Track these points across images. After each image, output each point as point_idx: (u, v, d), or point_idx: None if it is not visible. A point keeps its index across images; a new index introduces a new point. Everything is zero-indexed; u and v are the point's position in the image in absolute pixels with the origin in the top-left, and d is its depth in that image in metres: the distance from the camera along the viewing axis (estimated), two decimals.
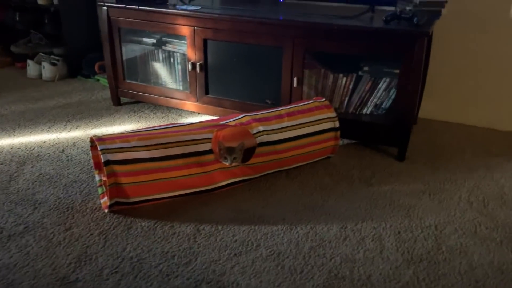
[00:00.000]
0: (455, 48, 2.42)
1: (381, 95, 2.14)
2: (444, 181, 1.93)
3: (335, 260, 1.45)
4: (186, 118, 2.53)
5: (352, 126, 2.14)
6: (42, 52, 3.21)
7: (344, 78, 2.17)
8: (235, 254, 1.47)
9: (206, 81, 2.40)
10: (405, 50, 1.92)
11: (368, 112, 2.19)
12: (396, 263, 1.45)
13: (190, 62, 2.38)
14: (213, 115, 2.46)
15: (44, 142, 2.22)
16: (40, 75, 3.15)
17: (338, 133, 1.96)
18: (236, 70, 2.35)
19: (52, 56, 3.16)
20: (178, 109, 2.61)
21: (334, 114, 1.96)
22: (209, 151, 1.73)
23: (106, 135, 1.68)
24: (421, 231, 1.61)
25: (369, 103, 2.18)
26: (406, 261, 1.46)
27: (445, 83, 2.51)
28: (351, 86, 2.18)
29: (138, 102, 2.72)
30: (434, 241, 1.55)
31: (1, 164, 2.00)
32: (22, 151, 2.12)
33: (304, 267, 1.42)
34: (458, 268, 1.43)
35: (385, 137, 2.10)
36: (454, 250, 1.51)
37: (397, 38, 1.93)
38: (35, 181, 1.87)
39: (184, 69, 2.49)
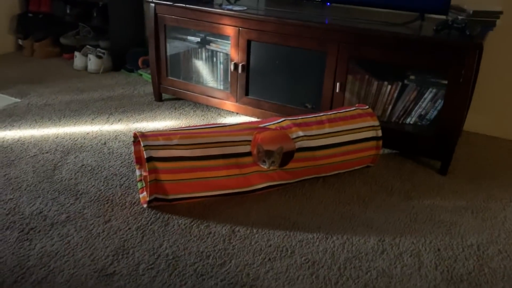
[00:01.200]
0: (506, 61, 2.33)
1: (426, 105, 2.09)
2: (488, 199, 1.86)
3: (371, 274, 1.42)
4: (225, 117, 2.55)
5: (394, 136, 2.09)
6: (89, 45, 3.30)
7: (389, 86, 2.12)
8: (269, 259, 1.46)
9: (247, 82, 2.41)
10: (455, 61, 1.86)
11: (411, 122, 2.14)
12: (434, 281, 1.40)
13: (232, 63, 2.39)
14: (251, 116, 2.47)
15: (87, 133, 2.28)
16: (86, 67, 3.24)
17: (380, 142, 1.92)
18: (278, 72, 2.34)
19: (98, 49, 3.25)
20: (217, 108, 2.63)
21: (377, 123, 1.92)
22: (248, 153, 1.73)
23: (149, 131, 1.71)
24: (462, 250, 1.55)
25: (413, 113, 2.12)
26: (445, 280, 1.41)
27: (493, 96, 2.42)
28: (395, 95, 2.13)
29: (179, 99, 2.75)
30: (476, 262, 1.49)
31: (47, 152, 2.07)
32: (66, 141, 2.19)
33: (339, 279, 1.39)
34: None
35: (428, 149, 2.04)
36: (497, 273, 1.45)
37: (448, 49, 1.86)
38: (78, 172, 1.92)
39: (226, 69, 2.50)
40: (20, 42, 3.60)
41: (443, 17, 2.07)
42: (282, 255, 1.49)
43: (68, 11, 3.33)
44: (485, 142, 2.40)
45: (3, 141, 2.15)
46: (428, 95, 2.07)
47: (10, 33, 3.62)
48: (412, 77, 2.10)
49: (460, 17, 2.00)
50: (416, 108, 2.11)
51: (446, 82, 1.94)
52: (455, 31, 1.93)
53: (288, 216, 1.69)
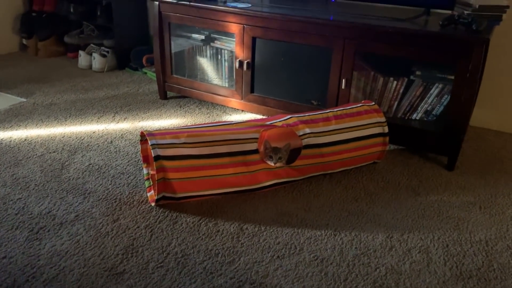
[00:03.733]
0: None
1: (432, 101, 2.08)
2: (496, 194, 1.86)
3: (380, 270, 1.42)
4: (230, 115, 2.55)
5: (400, 132, 2.09)
6: (93, 44, 3.30)
7: (395, 82, 2.12)
8: (278, 257, 1.47)
9: (252, 79, 2.40)
10: (461, 56, 1.85)
11: (417, 118, 2.13)
12: (443, 277, 1.40)
13: (237, 60, 2.39)
14: (257, 113, 2.47)
15: (94, 132, 2.29)
16: (90, 65, 3.25)
17: (387, 138, 1.92)
18: (283, 69, 2.34)
19: (102, 48, 3.25)
20: (222, 106, 2.63)
21: (383, 119, 1.91)
22: (255, 151, 1.73)
23: (156, 130, 1.71)
24: (470, 245, 1.55)
25: (419, 108, 2.12)
26: (454, 276, 1.41)
27: (500, 91, 2.41)
28: (401, 90, 2.12)
29: (184, 97, 2.76)
30: (484, 257, 1.49)
31: (54, 152, 2.08)
32: (73, 140, 2.20)
33: (348, 275, 1.40)
34: None
35: (434, 144, 2.04)
36: (506, 268, 1.45)
37: (454, 44, 1.86)
38: (85, 171, 1.93)
39: (230, 67, 2.50)
40: (24, 41, 3.60)
41: (449, 12, 2.06)
42: (290, 252, 1.49)
43: (72, 10, 3.33)
44: (492, 137, 2.39)
45: (10, 141, 2.16)
46: (434, 91, 2.06)
47: (14, 33, 3.63)
48: (418, 72, 2.09)
49: (466, 12, 1.99)
50: (422, 104, 2.11)
51: (452, 77, 1.93)
52: (461, 26, 1.92)
53: (296, 213, 1.69)
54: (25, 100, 2.67)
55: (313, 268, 1.42)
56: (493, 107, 2.45)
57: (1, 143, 2.14)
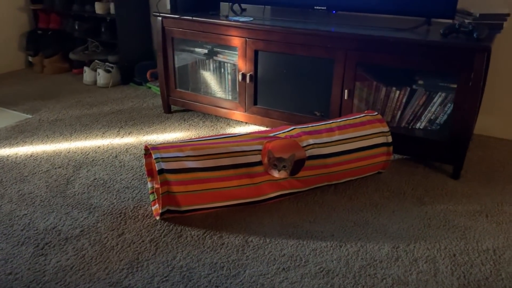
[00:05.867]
0: None
1: (436, 110, 2.08)
2: (503, 203, 1.84)
3: (387, 281, 1.41)
4: (234, 127, 2.56)
5: (404, 141, 2.08)
6: (98, 60, 3.34)
7: (397, 92, 2.12)
8: (283, 269, 1.46)
9: (255, 91, 2.42)
10: (463, 65, 1.85)
11: (421, 127, 2.13)
12: (451, 287, 1.39)
13: (240, 73, 2.40)
14: (260, 125, 2.47)
15: (99, 147, 2.30)
16: (95, 81, 3.28)
17: (391, 148, 1.91)
18: (286, 81, 2.35)
19: (106, 64, 3.29)
20: (226, 118, 2.64)
21: (387, 129, 1.91)
22: (259, 163, 1.74)
23: (160, 143, 1.72)
24: (478, 254, 1.53)
25: (423, 117, 2.12)
26: (462, 286, 1.39)
27: (503, 98, 2.40)
28: (404, 100, 2.12)
29: (188, 110, 2.77)
30: (492, 267, 1.48)
31: (59, 167, 2.09)
32: (78, 155, 2.21)
33: (354, 287, 1.38)
34: None
35: (439, 153, 2.03)
36: None
37: (456, 53, 1.86)
38: (90, 186, 1.94)
39: (234, 80, 2.52)
40: (30, 59, 3.65)
41: (450, 21, 2.07)
42: (296, 264, 1.48)
43: (77, 27, 3.38)
44: (497, 145, 2.38)
45: (16, 157, 2.18)
46: (437, 100, 2.06)
47: (20, 51, 3.68)
48: (420, 82, 2.09)
49: (466, 21, 2.00)
50: (425, 113, 2.10)
51: (455, 86, 1.93)
52: (462, 34, 1.92)
53: (301, 225, 1.69)
54: (31, 116, 2.70)
55: (319, 280, 1.41)
56: (497, 115, 2.44)
57: (7, 159, 2.16)
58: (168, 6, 2.63)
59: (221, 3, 2.64)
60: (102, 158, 2.19)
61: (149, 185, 1.81)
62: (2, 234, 1.61)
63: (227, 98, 2.58)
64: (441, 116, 2.08)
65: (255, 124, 2.51)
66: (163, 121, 2.65)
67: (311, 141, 1.82)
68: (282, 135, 1.86)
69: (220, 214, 1.74)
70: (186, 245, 1.57)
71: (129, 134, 2.47)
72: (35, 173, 2.04)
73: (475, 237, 1.63)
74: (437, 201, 1.85)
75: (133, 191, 1.90)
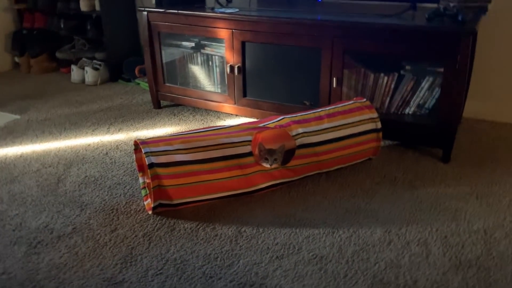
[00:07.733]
0: (501, 45, 2.33)
1: (424, 94, 2.09)
2: (492, 184, 1.86)
3: (380, 265, 1.42)
4: (225, 120, 2.55)
5: (394, 127, 2.09)
6: (85, 57, 3.31)
7: (385, 78, 2.13)
8: (277, 257, 1.47)
9: (244, 83, 2.41)
10: (449, 49, 1.86)
11: (410, 112, 2.14)
12: (443, 268, 1.40)
13: (228, 65, 2.40)
14: (251, 117, 2.47)
15: (89, 145, 2.29)
16: (83, 79, 3.25)
17: (380, 134, 1.92)
18: (274, 71, 2.35)
19: (94, 61, 3.26)
20: (216, 111, 2.63)
21: (375, 115, 1.92)
22: (249, 154, 1.74)
23: (149, 138, 1.72)
24: (469, 235, 1.55)
25: (411, 102, 2.12)
26: (454, 266, 1.41)
27: (491, 81, 2.42)
28: (392, 86, 2.13)
29: (177, 105, 2.76)
30: (483, 246, 1.49)
31: (50, 166, 2.08)
32: (68, 153, 2.20)
33: (347, 272, 1.40)
34: (510, 275, 1.37)
35: (428, 138, 2.04)
36: (505, 256, 1.45)
37: (441, 37, 1.87)
38: (81, 183, 1.93)
39: (222, 72, 2.51)
40: (16, 59, 3.62)
41: (435, 5, 2.07)
42: (289, 252, 1.49)
43: (62, 26, 3.34)
44: (485, 127, 2.40)
45: (5, 158, 2.16)
46: (425, 84, 2.07)
47: (6, 51, 3.64)
48: (408, 67, 2.10)
49: (451, 4, 2.00)
50: (414, 98, 2.11)
51: (442, 70, 1.94)
52: (447, 18, 1.93)
53: (294, 213, 1.69)
54: (19, 117, 2.67)
55: (313, 267, 1.42)
56: (485, 97, 2.46)
57: None
58: (153, 0, 2.61)
59: None
60: (93, 156, 2.18)
61: (141, 180, 1.80)
62: None
63: (216, 91, 2.58)
64: (430, 101, 2.09)
65: (246, 116, 2.51)
66: (153, 116, 2.64)
67: (300, 130, 1.82)
68: (272, 125, 1.86)
69: (213, 206, 1.74)
70: (180, 238, 1.57)
71: (119, 131, 2.46)
72: (26, 173, 2.02)
73: (466, 218, 1.64)
74: (428, 184, 1.86)
75: (124, 187, 1.89)
